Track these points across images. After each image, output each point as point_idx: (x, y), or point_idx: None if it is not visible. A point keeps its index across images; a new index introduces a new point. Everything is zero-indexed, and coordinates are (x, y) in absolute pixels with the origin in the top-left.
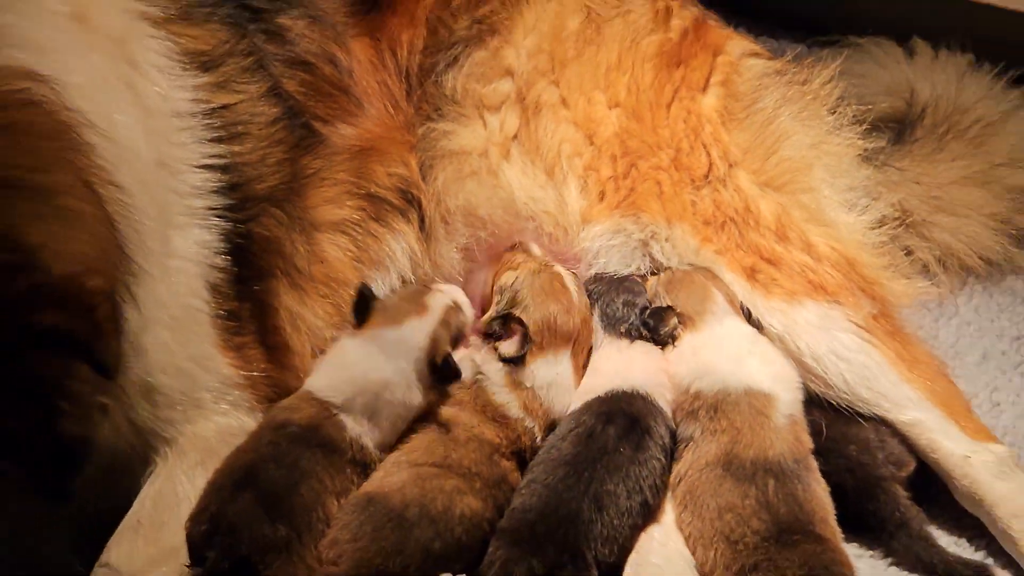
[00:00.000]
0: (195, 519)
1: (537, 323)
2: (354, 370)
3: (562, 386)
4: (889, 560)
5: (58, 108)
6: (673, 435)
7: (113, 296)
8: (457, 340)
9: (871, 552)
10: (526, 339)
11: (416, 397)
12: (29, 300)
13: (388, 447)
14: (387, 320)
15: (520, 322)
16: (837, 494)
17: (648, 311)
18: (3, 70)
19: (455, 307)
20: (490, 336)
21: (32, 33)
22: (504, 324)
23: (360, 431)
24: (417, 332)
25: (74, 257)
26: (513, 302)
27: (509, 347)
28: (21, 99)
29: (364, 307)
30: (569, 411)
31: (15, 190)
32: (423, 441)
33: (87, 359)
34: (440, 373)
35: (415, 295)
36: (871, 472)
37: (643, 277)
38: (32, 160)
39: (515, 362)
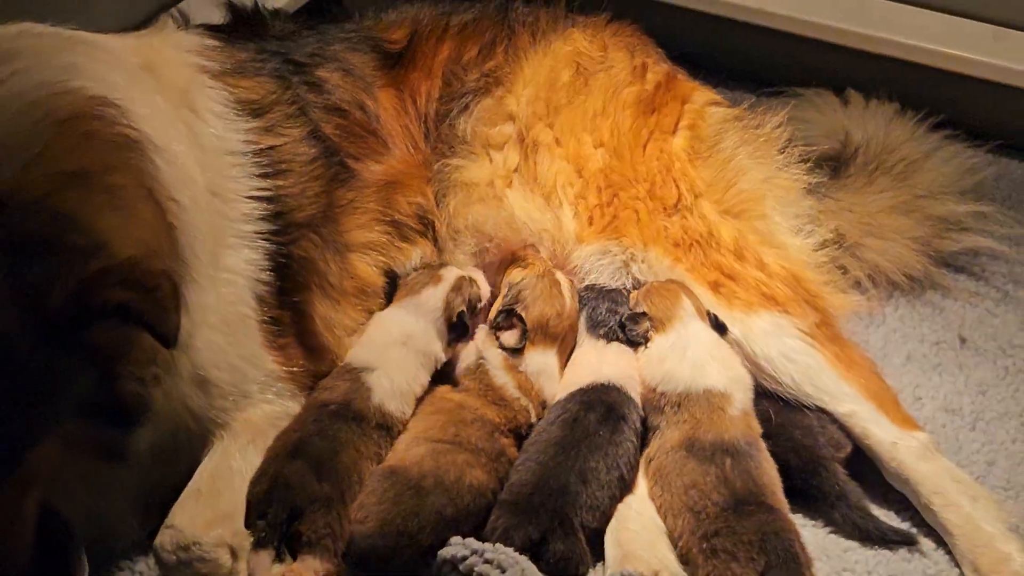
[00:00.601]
0: (256, 482)
1: (534, 321)
2: (382, 334)
3: (549, 374)
4: (829, 528)
5: (127, 127)
6: (644, 421)
7: (172, 277)
8: (473, 308)
9: (814, 521)
10: (524, 334)
11: (439, 351)
12: (99, 279)
13: (408, 401)
14: (408, 292)
15: (520, 319)
16: (784, 471)
17: (626, 316)
18: (81, 91)
19: (468, 279)
20: (495, 326)
21: (108, 74)
22: (507, 317)
23: (383, 395)
24: (432, 298)
25: (137, 242)
26: (517, 299)
27: (510, 338)
28: (97, 114)
29: (392, 290)
30: (556, 400)
31: (88, 185)
32: (437, 421)
33: (150, 330)
34: (455, 330)
35: (431, 270)
36: (814, 453)
37: (628, 291)
38: (104, 162)
39: (513, 352)
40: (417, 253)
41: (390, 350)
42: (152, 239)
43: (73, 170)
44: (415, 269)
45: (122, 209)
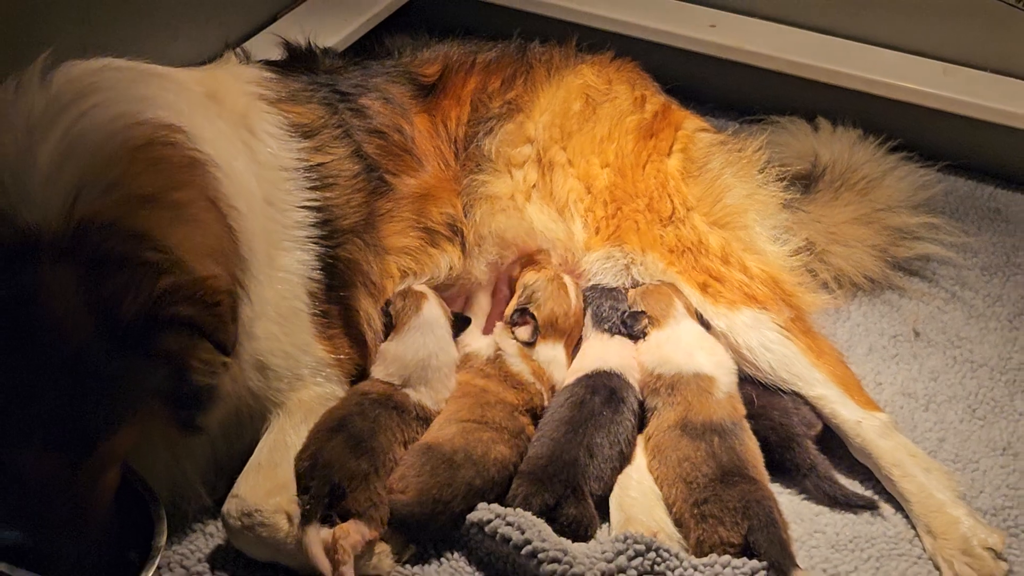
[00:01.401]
0: (301, 457)
1: (544, 319)
2: (404, 358)
3: (558, 364)
4: (803, 496)
5: (191, 149)
6: (641, 404)
7: (233, 291)
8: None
9: (789, 490)
10: (536, 329)
11: (453, 351)
12: (169, 295)
13: (444, 399)
14: (408, 317)
15: (532, 316)
16: (764, 447)
17: (626, 313)
18: (152, 121)
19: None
20: (511, 321)
21: (176, 103)
22: (521, 315)
23: (420, 396)
24: (433, 309)
25: (202, 249)
26: (530, 299)
27: (523, 333)
28: (164, 140)
29: (389, 320)
30: (565, 384)
31: (159, 204)
32: (465, 404)
33: (210, 340)
34: (457, 326)
35: (410, 293)
36: (789, 431)
37: (626, 289)
38: (171, 182)
39: (527, 344)
40: (446, 259)
41: (415, 374)
42: (215, 243)
43: (145, 193)
44: (389, 303)
45: (188, 222)
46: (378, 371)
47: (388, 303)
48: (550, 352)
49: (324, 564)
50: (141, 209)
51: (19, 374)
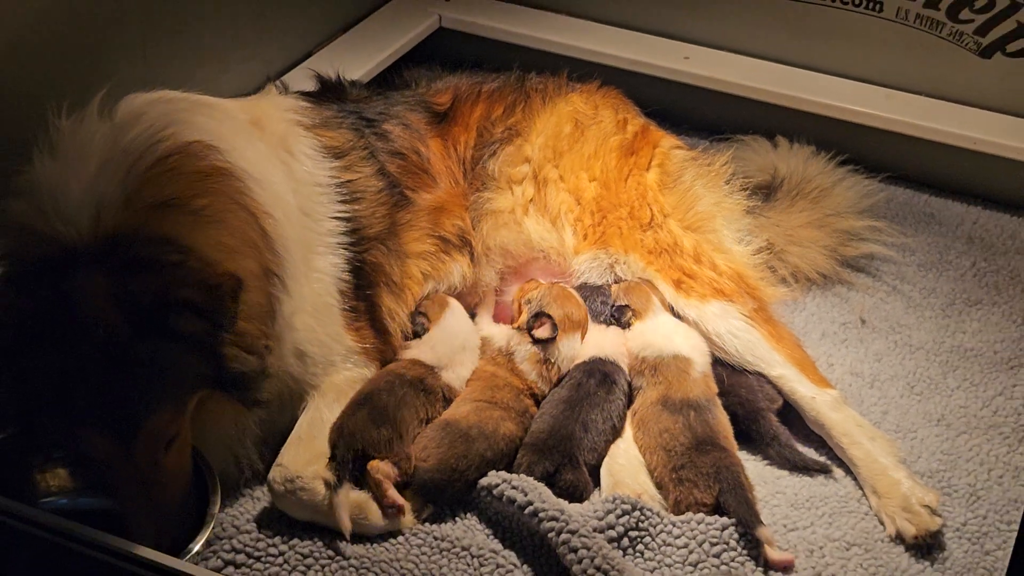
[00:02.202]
0: (332, 429)
1: (560, 317)
2: (446, 342)
3: (575, 355)
4: (766, 462)
5: (219, 160)
6: (630, 385)
7: (236, 276)
8: None
9: (755, 457)
10: (554, 326)
11: (476, 336)
12: (176, 280)
13: (467, 377)
14: (439, 313)
15: (548, 316)
16: (733, 420)
17: (614, 307)
18: (174, 136)
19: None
20: (528, 327)
21: (216, 127)
22: (535, 319)
23: (449, 377)
24: (458, 307)
25: (220, 247)
26: (540, 305)
27: (543, 332)
28: (187, 152)
29: (419, 324)
30: None
31: (178, 209)
32: (478, 386)
33: (207, 320)
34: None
35: (437, 296)
36: (754, 406)
37: (609, 286)
38: (190, 189)
39: (548, 342)
40: (458, 267)
41: (455, 355)
42: (240, 241)
43: (163, 200)
44: (421, 302)
45: (209, 224)
46: (424, 354)
47: (419, 309)
48: (570, 345)
49: (345, 524)
50: (160, 215)
51: (68, 365)
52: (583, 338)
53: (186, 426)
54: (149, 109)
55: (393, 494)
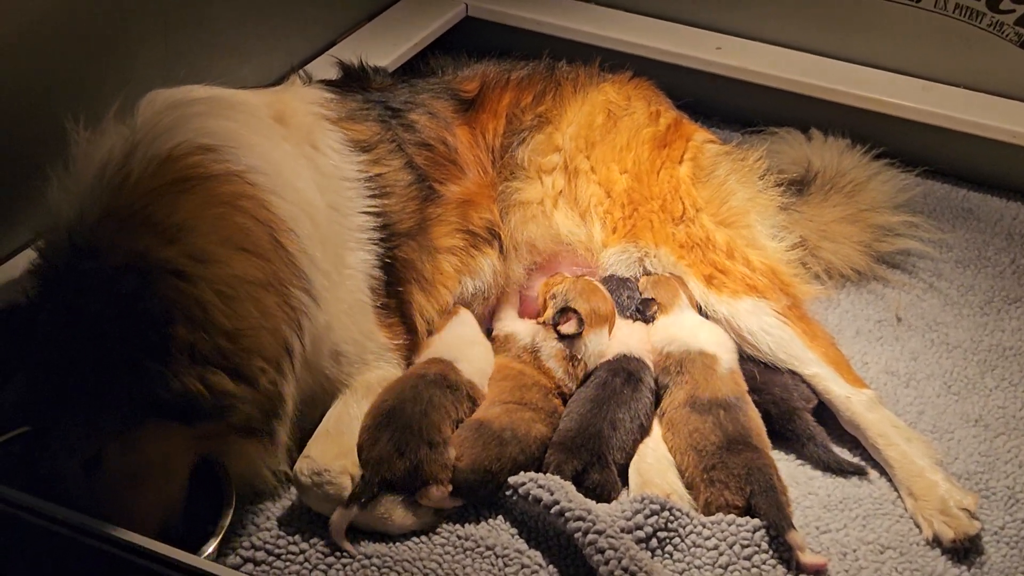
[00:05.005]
0: (360, 449)
1: (586, 311)
2: (455, 339)
3: (602, 350)
4: (799, 462)
5: (238, 178)
6: (657, 382)
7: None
8: None
9: (788, 456)
10: (581, 321)
11: (485, 341)
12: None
13: (485, 372)
14: (445, 321)
15: (574, 311)
16: (766, 419)
17: (640, 300)
18: (206, 156)
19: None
20: (553, 322)
21: (241, 132)
22: (562, 314)
23: (469, 370)
24: (465, 312)
25: (219, 287)
26: (566, 299)
27: (569, 327)
28: (206, 168)
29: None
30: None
31: (172, 233)
32: (506, 387)
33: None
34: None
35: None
36: (790, 404)
37: (636, 279)
38: (196, 211)
39: (574, 337)
40: (488, 261)
41: (471, 347)
42: (242, 273)
43: (141, 214)
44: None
45: (214, 253)
46: (441, 353)
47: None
48: (598, 341)
49: (342, 541)
50: (130, 227)
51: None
52: (611, 333)
53: (158, 463)
54: (165, 114)
55: (451, 503)
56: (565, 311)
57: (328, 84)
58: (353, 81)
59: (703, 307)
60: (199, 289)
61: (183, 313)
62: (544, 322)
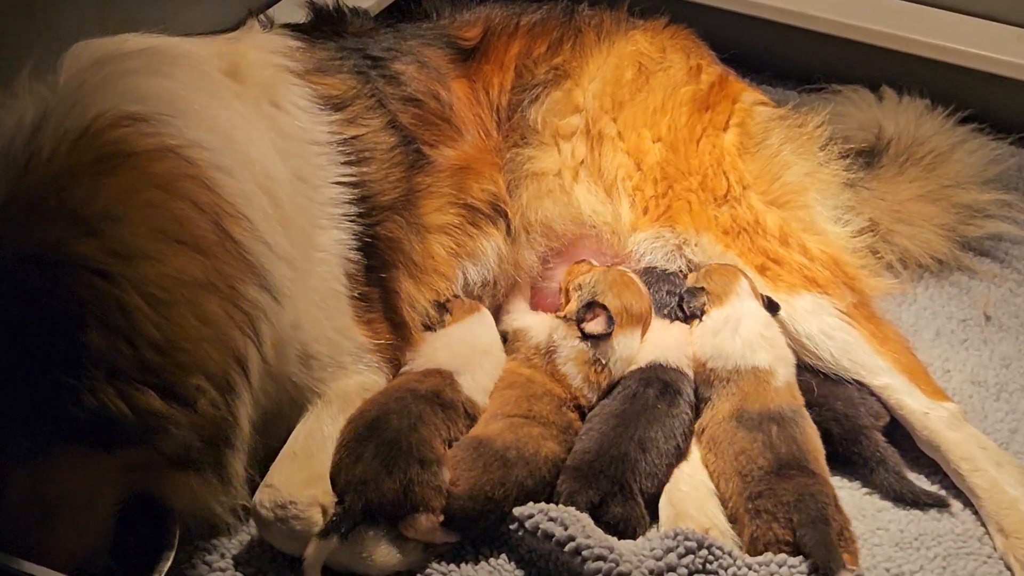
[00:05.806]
0: (336, 470)
1: (617, 308)
2: (466, 343)
3: (632, 356)
4: (865, 490)
5: (175, 156)
6: (697, 394)
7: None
8: None
9: (851, 484)
10: (610, 319)
11: (502, 352)
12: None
13: (490, 388)
14: (465, 314)
15: (603, 307)
16: (826, 439)
17: (684, 290)
18: (135, 127)
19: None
20: (578, 319)
21: (182, 93)
22: (588, 309)
23: (472, 386)
24: (490, 318)
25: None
26: (594, 292)
27: (596, 326)
28: (136, 144)
29: (442, 310)
30: None
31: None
32: (512, 396)
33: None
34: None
35: (464, 302)
36: (855, 422)
37: (683, 275)
38: (115, 194)
39: (601, 338)
40: (491, 244)
41: (482, 358)
42: (172, 276)
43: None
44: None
45: (137, 248)
46: (438, 353)
47: (444, 302)
48: (628, 343)
49: None
50: (40, 215)
51: None
52: (643, 337)
53: (73, 495)
54: (89, 73)
55: (444, 537)
56: (592, 306)
57: (294, 29)
58: (325, 25)
59: None
60: (122, 290)
61: (98, 317)
62: (566, 317)
